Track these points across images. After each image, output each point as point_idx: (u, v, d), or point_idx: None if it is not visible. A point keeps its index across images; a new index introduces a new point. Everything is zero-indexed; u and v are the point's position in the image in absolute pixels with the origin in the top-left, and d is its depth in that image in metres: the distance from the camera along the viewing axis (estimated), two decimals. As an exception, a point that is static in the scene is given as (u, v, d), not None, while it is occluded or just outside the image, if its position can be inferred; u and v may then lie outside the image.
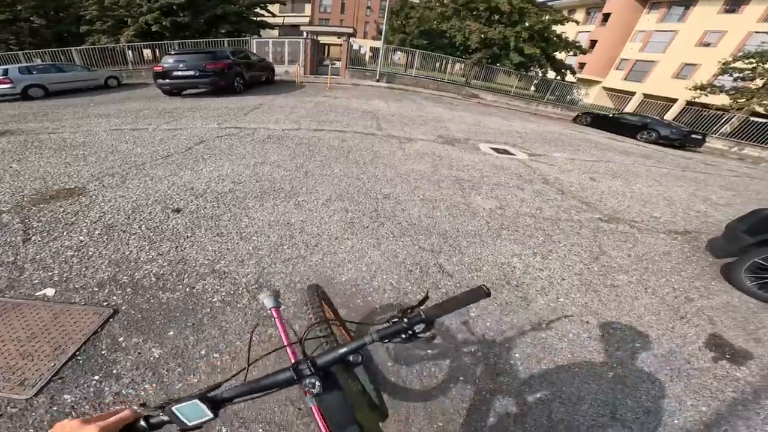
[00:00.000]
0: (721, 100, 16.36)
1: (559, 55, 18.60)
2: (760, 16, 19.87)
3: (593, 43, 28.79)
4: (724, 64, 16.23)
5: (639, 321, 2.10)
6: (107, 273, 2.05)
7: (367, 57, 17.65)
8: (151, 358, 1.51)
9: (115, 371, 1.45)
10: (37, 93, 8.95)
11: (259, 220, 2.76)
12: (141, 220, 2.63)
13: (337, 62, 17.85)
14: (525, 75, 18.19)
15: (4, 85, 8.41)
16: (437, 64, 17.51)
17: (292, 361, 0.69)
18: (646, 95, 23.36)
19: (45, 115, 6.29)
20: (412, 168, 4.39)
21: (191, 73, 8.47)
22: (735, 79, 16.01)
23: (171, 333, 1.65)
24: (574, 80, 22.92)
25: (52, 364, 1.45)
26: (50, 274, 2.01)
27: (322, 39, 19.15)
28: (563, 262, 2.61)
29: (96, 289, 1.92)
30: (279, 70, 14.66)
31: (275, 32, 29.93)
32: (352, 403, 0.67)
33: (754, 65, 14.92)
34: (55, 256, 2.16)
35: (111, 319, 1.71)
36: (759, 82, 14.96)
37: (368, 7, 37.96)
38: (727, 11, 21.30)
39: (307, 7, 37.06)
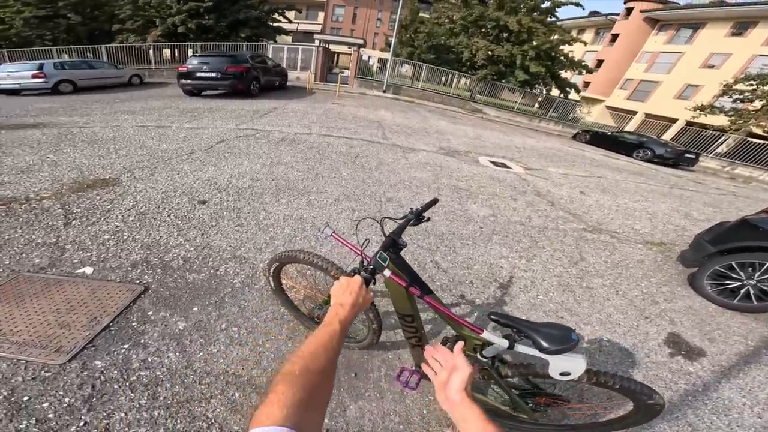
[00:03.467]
0: (720, 121, 16.64)
1: (565, 74, 18.83)
2: (764, 39, 20.30)
3: (600, 62, 29.42)
4: (726, 85, 16.51)
5: (608, 319, 2.31)
6: (140, 255, 2.25)
7: (375, 68, 18.20)
8: (176, 330, 1.68)
9: (143, 341, 1.60)
10: (67, 88, 9.41)
11: (275, 213, 3.04)
12: (170, 210, 2.90)
13: (346, 70, 18.28)
14: (529, 92, 18.46)
15: (38, 80, 8.87)
16: (443, 78, 17.97)
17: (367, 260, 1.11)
18: (647, 115, 23.96)
19: (74, 110, 6.69)
20: (414, 175, 4.68)
21: (213, 74, 8.84)
22: (734, 101, 16.30)
23: (195, 309, 1.83)
24: (578, 98, 23.21)
25: (87, 334, 1.56)
26: (89, 254, 2.19)
27: (333, 47, 19.62)
28: (545, 265, 2.83)
29: (130, 268, 2.11)
30: (291, 75, 15.29)
31: (289, 38, 30.83)
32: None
33: (754, 87, 15.24)
34: (94, 238, 2.36)
35: (142, 296, 1.89)
36: (758, 104, 15.28)
37: (378, 19, 39.18)
38: (733, 34, 21.83)
39: (321, 15, 38.31)
